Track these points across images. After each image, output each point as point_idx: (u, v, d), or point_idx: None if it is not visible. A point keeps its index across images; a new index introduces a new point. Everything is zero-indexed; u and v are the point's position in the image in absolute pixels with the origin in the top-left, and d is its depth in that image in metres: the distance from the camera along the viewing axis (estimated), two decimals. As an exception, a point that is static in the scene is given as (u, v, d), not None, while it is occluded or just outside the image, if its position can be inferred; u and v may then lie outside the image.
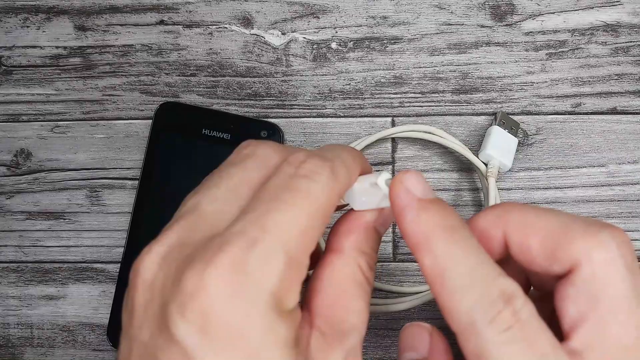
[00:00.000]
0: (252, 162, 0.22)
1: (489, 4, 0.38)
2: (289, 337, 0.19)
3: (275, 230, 0.19)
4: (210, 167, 0.38)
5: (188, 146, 0.38)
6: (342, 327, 0.20)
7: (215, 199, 0.21)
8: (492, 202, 0.35)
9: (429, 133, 0.36)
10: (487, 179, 0.35)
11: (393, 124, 0.38)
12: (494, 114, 0.37)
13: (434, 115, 0.38)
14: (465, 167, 0.37)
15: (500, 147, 0.36)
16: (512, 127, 0.36)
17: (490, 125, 0.37)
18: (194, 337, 0.18)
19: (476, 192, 0.37)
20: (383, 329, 0.37)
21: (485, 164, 0.36)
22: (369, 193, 0.22)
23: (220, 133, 0.37)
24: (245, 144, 0.23)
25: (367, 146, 0.37)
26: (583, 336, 0.19)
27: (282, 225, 0.19)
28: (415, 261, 0.37)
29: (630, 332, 0.19)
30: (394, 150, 0.38)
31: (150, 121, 0.38)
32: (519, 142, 0.37)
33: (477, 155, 0.36)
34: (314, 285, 0.21)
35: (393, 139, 0.38)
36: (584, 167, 0.37)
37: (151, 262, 0.20)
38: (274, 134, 0.37)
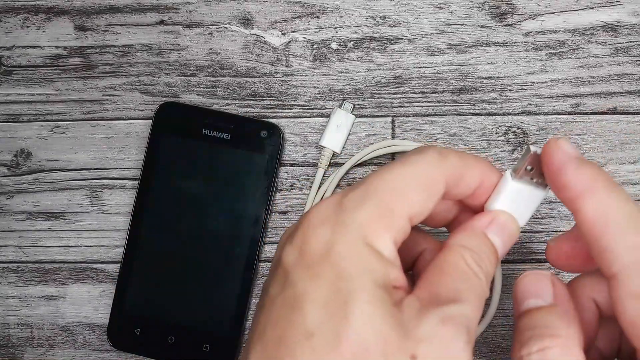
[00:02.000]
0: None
1: (489, 4, 0.38)
2: (378, 274, 0.21)
3: (372, 184, 0.22)
4: (211, 167, 0.38)
5: (188, 146, 0.38)
6: (439, 295, 0.22)
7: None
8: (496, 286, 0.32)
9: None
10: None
11: (393, 124, 0.38)
12: (527, 148, 0.25)
13: (434, 115, 0.38)
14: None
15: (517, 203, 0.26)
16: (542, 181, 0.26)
17: (511, 169, 0.26)
18: (292, 256, 0.21)
19: (476, 192, 0.37)
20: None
21: None
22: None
23: (220, 133, 0.37)
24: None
25: (367, 146, 0.37)
26: None
27: (378, 182, 0.22)
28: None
29: None
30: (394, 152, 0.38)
31: (150, 121, 0.38)
32: (519, 143, 0.37)
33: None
34: (424, 272, 0.23)
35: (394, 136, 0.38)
36: (584, 167, 0.37)
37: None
38: (274, 134, 0.37)
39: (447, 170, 0.23)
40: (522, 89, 0.38)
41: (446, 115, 0.38)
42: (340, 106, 0.37)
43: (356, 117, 0.38)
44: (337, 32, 0.38)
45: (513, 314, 0.25)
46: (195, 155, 0.37)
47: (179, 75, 0.39)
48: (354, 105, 0.38)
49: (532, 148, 0.24)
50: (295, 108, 0.38)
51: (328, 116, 0.38)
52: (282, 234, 0.24)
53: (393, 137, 0.38)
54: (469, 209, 0.26)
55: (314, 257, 0.21)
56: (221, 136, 0.37)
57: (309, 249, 0.21)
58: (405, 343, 0.20)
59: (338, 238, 0.21)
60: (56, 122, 0.39)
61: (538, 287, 0.24)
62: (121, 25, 0.39)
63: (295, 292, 0.20)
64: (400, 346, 0.20)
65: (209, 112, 0.38)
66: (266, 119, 0.38)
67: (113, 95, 0.39)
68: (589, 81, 0.37)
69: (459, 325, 0.21)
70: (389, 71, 0.38)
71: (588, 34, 0.37)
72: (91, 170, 0.39)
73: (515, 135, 0.37)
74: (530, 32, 0.38)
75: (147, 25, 0.39)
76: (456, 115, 0.38)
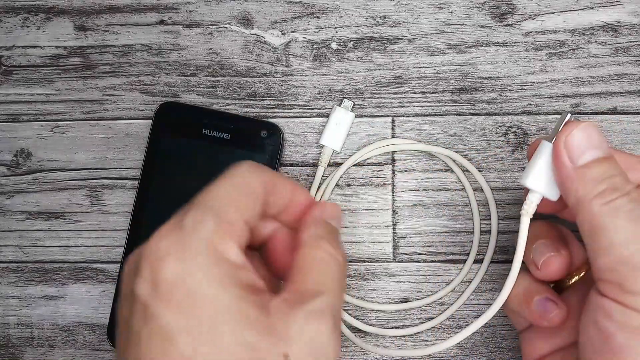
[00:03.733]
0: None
1: (489, 4, 0.38)
2: (236, 286, 0.22)
3: (204, 202, 0.23)
4: (210, 167, 0.38)
5: (188, 146, 0.38)
6: (303, 293, 0.23)
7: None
8: (520, 247, 0.28)
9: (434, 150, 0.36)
10: (521, 217, 0.28)
11: (393, 124, 0.38)
12: (562, 114, 0.27)
13: (434, 115, 0.38)
14: (465, 168, 0.37)
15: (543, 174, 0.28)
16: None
17: (547, 137, 0.28)
18: (146, 290, 0.21)
19: (478, 192, 0.37)
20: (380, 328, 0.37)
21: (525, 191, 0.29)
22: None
23: (221, 133, 0.37)
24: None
25: (367, 145, 0.37)
26: None
27: (209, 198, 0.24)
28: (414, 261, 0.37)
29: None
30: (394, 151, 0.38)
31: (150, 121, 0.38)
32: (519, 143, 0.37)
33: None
34: (288, 273, 0.24)
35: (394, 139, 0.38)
36: (584, 167, 0.37)
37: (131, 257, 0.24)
38: (274, 133, 0.37)
39: (261, 176, 0.25)
40: (522, 88, 0.38)
41: (446, 115, 0.38)
42: (339, 104, 0.37)
43: (356, 115, 0.38)
44: (337, 32, 0.38)
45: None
46: (195, 155, 0.37)
47: (179, 75, 0.39)
48: (353, 103, 0.38)
49: (568, 116, 0.26)
50: (295, 108, 0.38)
51: (328, 116, 0.38)
52: (125, 264, 0.23)
53: (393, 137, 0.38)
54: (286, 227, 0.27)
55: (169, 288, 0.21)
56: (221, 136, 0.37)
57: (161, 280, 0.21)
58: (276, 345, 0.21)
59: (189, 264, 0.21)
60: (56, 122, 0.39)
61: (596, 139, 0.26)
62: (121, 25, 0.39)
63: (160, 325, 0.21)
64: (271, 350, 0.21)
65: (209, 112, 0.38)
66: (266, 119, 0.38)
67: (113, 95, 0.39)
68: (589, 81, 0.37)
69: (324, 317, 0.23)
70: (389, 71, 0.38)
71: (588, 34, 0.37)
72: (91, 170, 0.39)
73: (516, 135, 0.37)
74: (530, 32, 0.38)
75: (147, 25, 0.39)
76: (456, 115, 0.38)
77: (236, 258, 0.23)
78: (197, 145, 0.37)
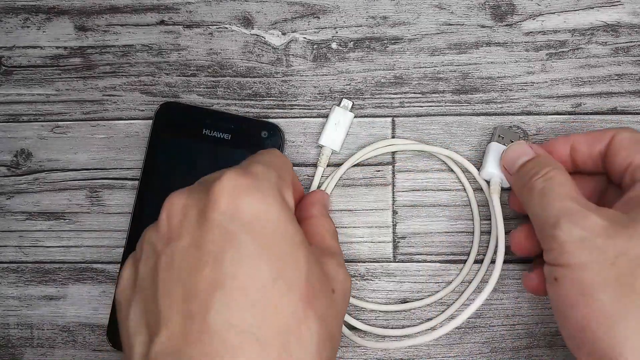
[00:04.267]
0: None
1: (489, 4, 0.38)
2: (296, 221, 0.27)
3: (258, 160, 0.28)
4: (211, 167, 0.38)
5: (188, 146, 0.38)
6: (324, 250, 0.30)
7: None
8: (498, 218, 0.35)
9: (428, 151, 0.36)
10: (491, 196, 0.35)
11: (393, 124, 0.38)
12: (494, 129, 0.37)
13: (434, 115, 0.38)
14: (465, 168, 0.37)
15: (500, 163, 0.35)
16: (512, 140, 0.36)
17: (489, 141, 0.36)
18: (227, 219, 0.24)
19: (478, 192, 0.37)
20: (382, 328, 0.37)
21: (488, 182, 0.36)
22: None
23: (221, 133, 0.37)
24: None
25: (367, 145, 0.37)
26: None
27: (262, 159, 0.29)
28: (415, 261, 0.37)
29: None
30: (394, 151, 0.38)
31: (150, 121, 0.38)
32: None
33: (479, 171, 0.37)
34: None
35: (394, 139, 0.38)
36: (584, 167, 0.37)
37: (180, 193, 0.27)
38: (275, 134, 0.37)
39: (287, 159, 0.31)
40: (522, 89, 0.38)
41: (446, 115, 0.38)
42: (338, 104, 0.37)
43: (355, 115, 0.38)
44: (337, 32, 0.38)
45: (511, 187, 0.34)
46: (195, 155, 0.37)
47: (179, 76, 0.39)
48: (352, 102, 0.38)
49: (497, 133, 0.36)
50: (296, 108, 0.38)
51: (327, 116, 0.38)
52: (172, 199, 0.26)
53: (393, 137, 0.38)
54: None
55: (251, 219, 0.25)
56: (221, 136, 0.37)
57: (243, 212, 0.25)
58: (327, 283, 0.27)
59: (267, 201, 0.25)
60: (56, 122, 0.39)
61: (521, 149, 0.33)
62: (121, 25, 0.39)
63: (245, 250, 0.24)
64: (326, 286, 0.27)
65: (209, 112, 0.38)
66: (266, 119, 0.38)
67: (113, 95, 0.39)
68: (589, 81, 0.37)
69: (342, 264, 0.30)
70: (389, 71, 0.38)
71: (588, 34, 0.37)
72: (91, 171, 0.39)
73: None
74: (531, 32, 0.38)
75: (147, 25, 0.39)
76: (456, 115, 0.38)
77: (292, 207, 0.28)
78: (197, 146, 0.37)
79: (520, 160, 0.33)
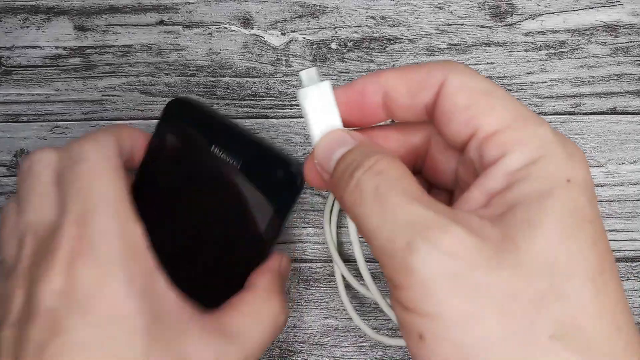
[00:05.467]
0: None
1: (488, 4, 0.38)
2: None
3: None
4: (213, 189, 0.33)
5: (191, 157, 0.32)
6: (224, 330, 0.28)
7: (34, 207, 0.28)
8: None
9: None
10: None
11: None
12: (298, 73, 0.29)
13: (433, 115, 0.38)
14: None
15: None
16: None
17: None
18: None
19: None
20: (383, 329, 0.37)
21: None
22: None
23: (230, 156, 0.30)
24: (26, 160, 0.30)
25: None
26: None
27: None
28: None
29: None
30: (393, 151, 0.38)
31: (150, 121, 0.38)
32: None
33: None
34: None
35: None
36: (583, 167, 0.37)
37: None
38: (293, 180, 0.29)
39: (115, 147, 0.30)
40: (522, 89, 0.38)
41: (446, 115, 0.38)
42: (300, 85, 0.25)
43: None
44: (336, 32, 0.38)
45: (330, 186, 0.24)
46: (198, 171, 0.31)
47: (179, 76, 0.39)
48: (316, 67, 0.28)
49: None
50: (295, 108, 0.38)
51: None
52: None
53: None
54: None
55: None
56: (230, 161, 0.30)
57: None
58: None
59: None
60: (56, 122, 0.39)
61: (338, 139, 0.24)
62: (121, 25, 0.39)
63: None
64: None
65: (224, 126, 0.30)
66: (286, 154, 0.30)
67: (113, 95, 0.39)
68: (588, 81, 0.37)
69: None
70: (389, 71, 0.38)
71: (588, 34, 0.38)
72: (91, 171, 0.39)
73: (515, 135, 0.37)
74: (530, 32, 0.38)
75: (147, 25, 0.39)
76: (456, 115, 0.38)
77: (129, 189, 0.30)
78: (201, 162, 0.31)
79: (337, 153, 0.23)
